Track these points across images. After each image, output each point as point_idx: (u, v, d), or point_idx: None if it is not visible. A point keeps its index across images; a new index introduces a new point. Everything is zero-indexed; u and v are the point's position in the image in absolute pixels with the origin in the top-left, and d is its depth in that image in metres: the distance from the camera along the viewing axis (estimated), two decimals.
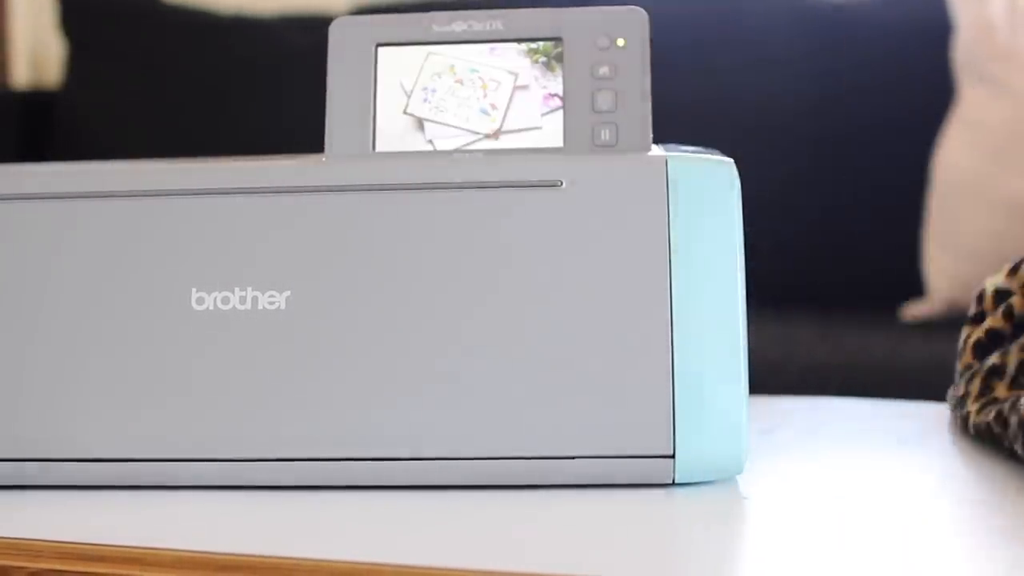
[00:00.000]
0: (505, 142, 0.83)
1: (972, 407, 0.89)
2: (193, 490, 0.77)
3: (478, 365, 0.76)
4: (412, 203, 0.80)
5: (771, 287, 1.74)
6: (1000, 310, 0.90)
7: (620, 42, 0.84)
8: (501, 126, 0.84)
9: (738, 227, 0.77)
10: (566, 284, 0.77)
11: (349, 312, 0.77)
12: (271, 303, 0.77)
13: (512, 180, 0.80)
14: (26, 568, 0.66)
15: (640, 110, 0.83)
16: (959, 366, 0.95)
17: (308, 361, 0.77)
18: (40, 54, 2.47)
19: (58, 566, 0.66)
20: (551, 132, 0.83)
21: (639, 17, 0.85)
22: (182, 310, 0.77)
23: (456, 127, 0.84)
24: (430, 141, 0.84)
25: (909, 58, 2.00)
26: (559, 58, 0.84)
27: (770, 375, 1.57)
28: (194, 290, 0.78)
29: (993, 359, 0.89)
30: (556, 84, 0.84)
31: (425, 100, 0.84)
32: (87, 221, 0.79)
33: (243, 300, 0.77)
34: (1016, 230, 1.79)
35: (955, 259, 1.82)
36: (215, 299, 0.78)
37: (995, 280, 0.91)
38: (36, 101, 2.30)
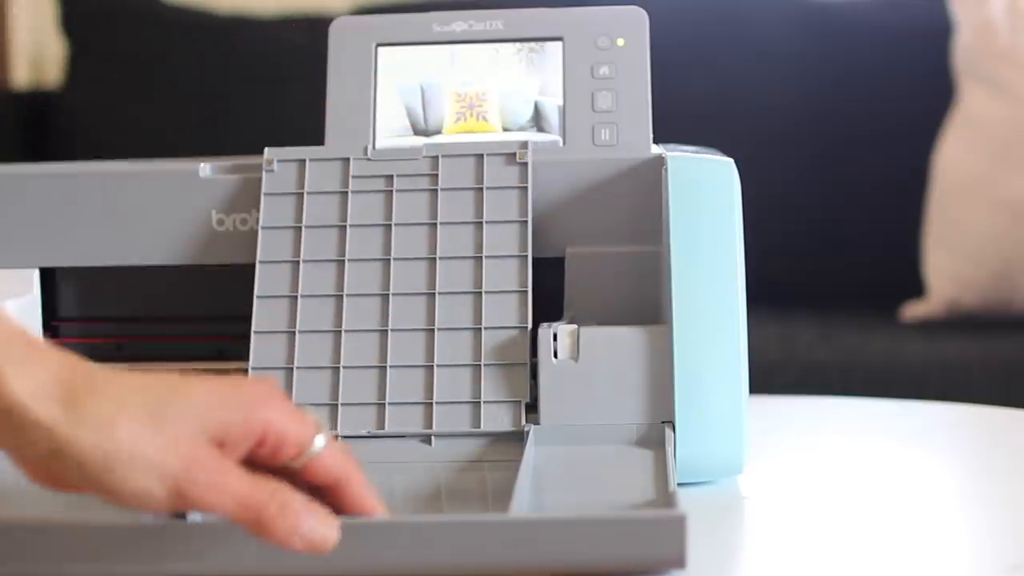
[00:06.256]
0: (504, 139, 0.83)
1: None
2: None
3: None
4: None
5: (771, 287, 1.75)
6: None
7: (620, 42, 0.84)
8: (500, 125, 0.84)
9: (738, 226, 0.77)
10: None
11: None
12: None
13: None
14: None
15: (640, 110, 0.83)
16: None
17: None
18: (40, 54, 2.46)
19: None
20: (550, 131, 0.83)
21: (639, 17, 0.85)
22: None
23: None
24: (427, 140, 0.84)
25: (909, 58, 2.00)
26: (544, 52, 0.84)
27: (770, 375, 1.57)
28: None
29: None
30: (548, 79, 0.84)
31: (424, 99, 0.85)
32: None
33: None
34: (1016, 230, 1.79)
35: (955, 259, 1.82)
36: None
37: None
38: (36, 101, 2.30)
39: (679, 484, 0.71)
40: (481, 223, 0.79)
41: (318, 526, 0.56)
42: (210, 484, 0.55)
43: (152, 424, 0.54)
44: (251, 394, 0.57)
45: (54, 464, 0.54)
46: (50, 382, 0.54)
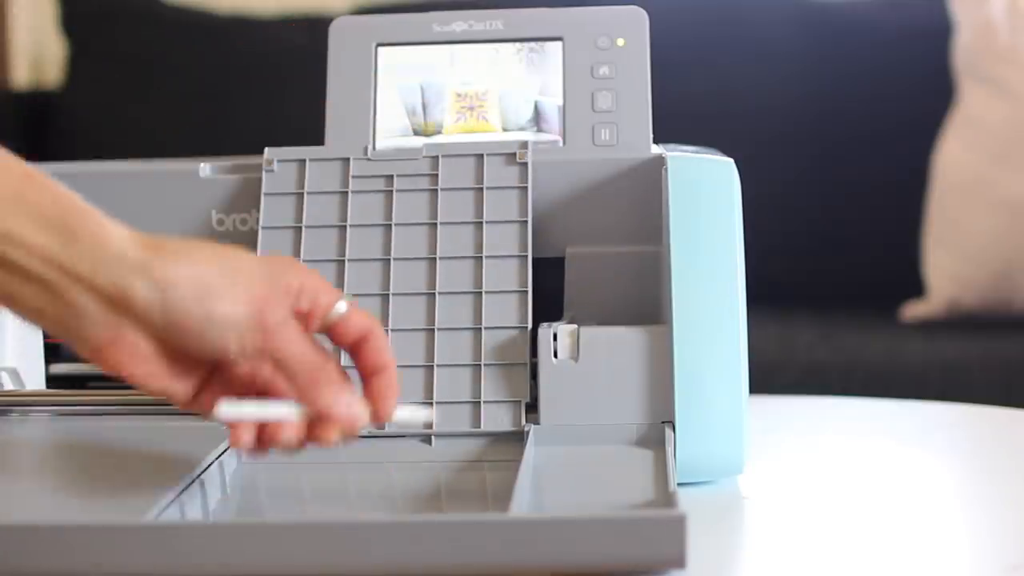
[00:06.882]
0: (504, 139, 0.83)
1: None
2: None
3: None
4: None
5: (771, 287, 1.75)
6: None
7: (620, 42, 0.84)
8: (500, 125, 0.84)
9: (738, 226, 0.77)
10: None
11: None
12: None
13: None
14: None
15: (640, 110, 0.83)
16: None
17: None
18: (40, 54, 2.46)
19: None
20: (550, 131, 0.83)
21: (639, 17, 0.85)
22: None
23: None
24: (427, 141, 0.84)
25: (909, 58, 2.00)
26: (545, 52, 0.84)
27: (770, 375, 1.57)
28: None
29: None
30: (549, 80, 0.84)
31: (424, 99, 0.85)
32: None
33: None
34: (1016, 230, 1.79)
35: (955, 259, 1.82)
36: None
37: None
38: (36, 101, 2.30)
39: (679, 484, 0.72)
40: (481, 223, 0.79)
41: (355, 402, 0.62)
42: (283, 323, 0.61)
43: (226, 275, 0.61)
44: (283, 260, 0.64)
45: (151, 309, 0.60)
46: (135, 235, 0.61)
